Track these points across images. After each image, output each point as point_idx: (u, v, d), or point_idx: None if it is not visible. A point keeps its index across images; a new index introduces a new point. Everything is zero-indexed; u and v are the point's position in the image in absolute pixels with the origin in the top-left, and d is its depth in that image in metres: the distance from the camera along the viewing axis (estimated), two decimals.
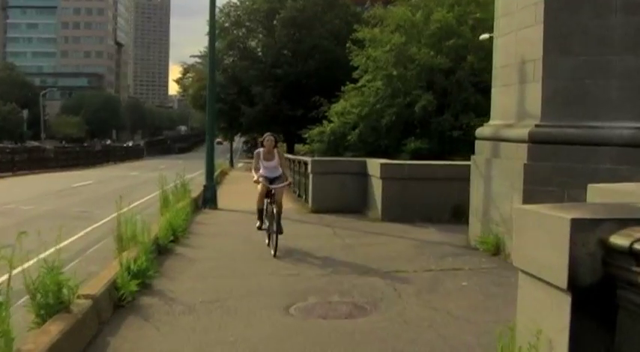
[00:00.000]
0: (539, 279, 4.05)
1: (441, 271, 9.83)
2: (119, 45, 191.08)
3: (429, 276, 9.48)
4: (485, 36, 31.31)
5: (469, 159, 24.72)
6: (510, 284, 8.93)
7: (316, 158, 19.80)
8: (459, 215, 15.29)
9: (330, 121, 39.26)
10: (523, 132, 10.37)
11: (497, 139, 11.45)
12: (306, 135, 40.91)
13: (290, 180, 12.86)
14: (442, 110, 35.19)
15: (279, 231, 11.33)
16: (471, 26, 35.44)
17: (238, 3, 53.62)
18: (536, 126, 10.19)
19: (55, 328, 5.74)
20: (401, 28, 36.84)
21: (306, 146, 43.59)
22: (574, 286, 3.67)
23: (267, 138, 12.15)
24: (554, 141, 10.02)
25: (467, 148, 33.18)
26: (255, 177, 11.81)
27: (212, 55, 21.09)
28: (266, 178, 11.85)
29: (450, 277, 9.39)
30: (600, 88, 9.80)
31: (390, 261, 10.63)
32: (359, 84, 38.33)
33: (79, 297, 6.64)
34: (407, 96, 35.52)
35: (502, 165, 11.10)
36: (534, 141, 10.18)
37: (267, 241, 11.84)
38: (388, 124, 34.99)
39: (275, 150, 12.15)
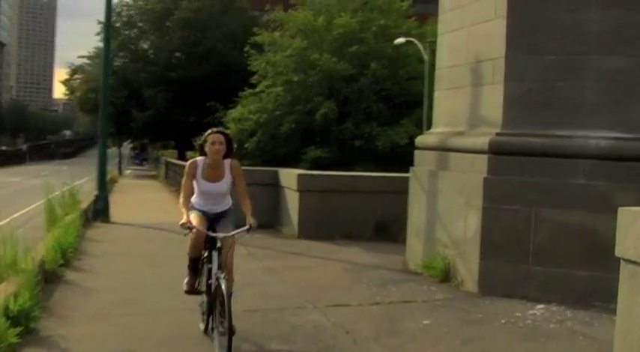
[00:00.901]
0: None
1: (390, 304, 8.29)
2: (1, 44, 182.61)
3: (380, 312, 7.93)
4: (400, 40, 30.38)
5: (370, 170, 23.66)
6: (482, 322, 7.50)
7: None
8: (382, 232, 13.95)
9: (226, 128, 37.59)
10: (481, 141, 8.98)
11: (445, 149, 10.03)
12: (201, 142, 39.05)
13: (252, 220, 6.43)
14: (343, 118, 34.12)
15: (231, 329, 5.99)
16: (374, 33, 34.59)
17: (131, 2, 51.12)
18: (498, 134, 8.82)
19: None
20: (302, 32, 35.65)
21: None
22: None
23: (214, 138, 6.67)
24: (519, 152, 8.67)
25: (368, 158, 32.41)
26: (185, 218, 6.50)
27: (107, 55, 19.02)
28: (203, 215, 6.80)
29: (405, 312, 7.87)
30: (573, 92, 8.51)
31: (326, 291, 9.04)
32: (257, 89, 36.93)
33: None
34: (307, 103, 34.27)
35: (453, 178, 9.68)
36: (496, 151, 8.80)
37: (202, 326, 6.95)
38: (287, 132, 33.69)
39: (227, 163, 6.76)
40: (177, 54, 49.79)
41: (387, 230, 13.82)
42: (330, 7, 35.97)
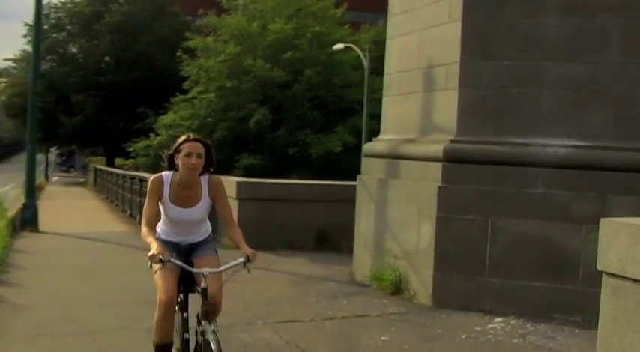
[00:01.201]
0: None
1: (343, 319, 7.91)
2: None
3: (333, 328, 7.54)
4: (339, 46, 30.18)
5: (304, 177, 23.39)
6: (442, 338, 7.17)
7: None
8: (324, 242, 13.62)
9: (157, 134, 36.95)
10: (435, 148, 8.68)
11: (395, 157, 9.71)
12: (131, 149, 38.31)
13: (249, 251, 4.86)
14: (277, 125, 33.83)
15: None
16: (308, 39, 34.44)
17: (59, 4, 49.84)
18: (452, 141, 8.53)
19: None
20: (235, 38, 35.27)
21: (131, 160, 40.84)
22: None
23: (191, 147, 5.01)
24: (475, 159, 8.39)
25: (302, 165, 32.13)
26: (153, 249, 4.74)
27: (37, 59, 18.22)
28: (174, 247, 5.21)
29: (360, 328, 7.50)
30: (530, 99, 8.28)
31: (274, 305, 8.61)
32: (189, 95, 36.47)
33: None
34: (240, 109, 33.90)
35: (404, 187, 9.36)
36: (450, 159, 8.50)
37: None
38: (220, 139, 33.16)
39: (204, 181, 5.17)
40: (107, 58, 48.84)
41: (329, 240, 13.52)
42: (264, 13, 35.71)
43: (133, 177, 20.85)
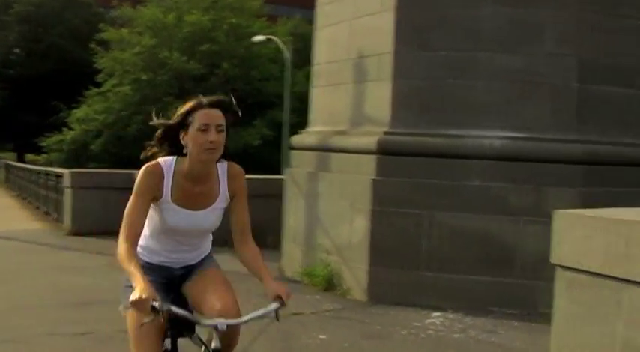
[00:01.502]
0: None
1: None
2: None
3: (269, 327, 7.26)
4: (259, 38, 29.83)
5: None
6: (382, 335, 6.97)
7: (75, 170, 16.79)
8: None
9: (70, 129, 36.03)
10: (368, 141, 8.49)
11: (325, 149, 9.48)
12: (44, 144, 37.25)
13: (283, 290, 3.24)
14: None
15: None
16: (225, 32, 34.11)
17: None
18: (386, 133, 8.36)
19: None
20: (150, 29, 34.68)
21: (43, 156, 39.72)
22: None
23: (208, 115, 3.18)
24: (410, 152, 8.22)
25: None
26: (138, 289, 2.88)
27: None
28: (165, 275, 3.57)
29: (297, 327, 7.23)
30: (465, 90, 8.16)
31: None
32: (104, 88, 35.70)
33: None
34: (157, 102, 33.15)
35: (336, 180, 9.13)
36: (384, 151, 8.32)
37: None
38: (135, 133, 32.49)
39: (222, 170, 3.46)
40: (17, 50, 47.36)
41: (253, 236, 13.13)
42: (180, 5, 35.23)
43: (47, 173, 20.01)
